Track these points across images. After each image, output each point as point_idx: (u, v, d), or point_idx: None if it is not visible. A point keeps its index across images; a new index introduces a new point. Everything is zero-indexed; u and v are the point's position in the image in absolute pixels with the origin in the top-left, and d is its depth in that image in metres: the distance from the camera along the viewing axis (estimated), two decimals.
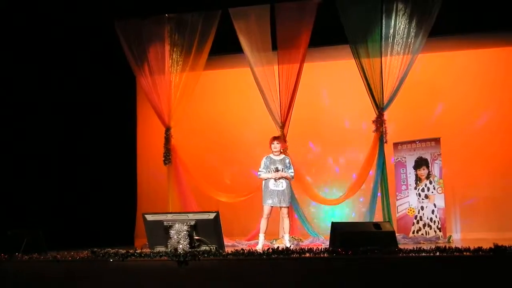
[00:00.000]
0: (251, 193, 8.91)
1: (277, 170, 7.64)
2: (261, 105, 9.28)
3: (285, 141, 8.97)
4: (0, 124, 8.66)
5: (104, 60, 9.76)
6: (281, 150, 7.85)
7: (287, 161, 7.80)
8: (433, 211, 8.55)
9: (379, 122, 8.85)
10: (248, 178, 8.22)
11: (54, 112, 9.31)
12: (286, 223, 7.70)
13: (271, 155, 7.80)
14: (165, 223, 5.76)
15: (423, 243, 7.98)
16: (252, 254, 5.28)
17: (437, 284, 4.64)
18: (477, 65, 9.83)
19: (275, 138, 7.84)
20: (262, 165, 7.76)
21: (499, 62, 9.78)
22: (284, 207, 7.64)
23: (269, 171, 7.67)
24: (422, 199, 8.67)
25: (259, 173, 7.76)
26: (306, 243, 8.30)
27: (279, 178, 7.62)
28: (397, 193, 8.92)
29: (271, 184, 7.62)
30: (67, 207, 9.17)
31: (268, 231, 7.71)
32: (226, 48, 9.77)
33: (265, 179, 7.68)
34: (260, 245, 7.52)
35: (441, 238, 8.33)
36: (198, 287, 5.02)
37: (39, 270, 5.41)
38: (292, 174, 7.77)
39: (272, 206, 7.61)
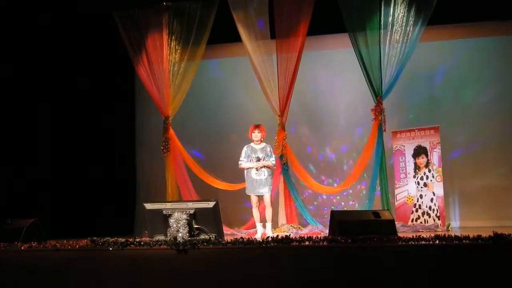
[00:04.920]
0: None
1: (258, 159, 7.61)
2: (259, 94, 9.25)
3: (283, 129, 8.95)
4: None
5: (102, 49, 9.68)
6: (262, 139, 7.78)
7: (268, 149, 7.78)
8: (432, 199, 8.54)
9: (378, 110, 8.83)
10: None
11: (53, 102, 9.25)
12: (268, 211, 7.69)
13: (252, 144, 7.79)
14: (164, 212, 5.71)
15: (422, 231, 8.00)
16: (251, 242, 5.26)
17: (436, 273, 4.63)
18: (476, 53, 9.79)
19: (255, 127, 7.79)
20: (243, 154, 7.75)
21: (497, 50, 9.75)
22: (267, 195, 7.63)
23: (250, 160, 7.65)
24: (421, 187, 8.66)
25: (240, 162, 7.75)
26: (305, 232, 8.30)
27: (261, 167, 7.59)
28: (396, 181, 8.91)
29: (253, 174, 7.63)
30: (67, 196, 9.14)
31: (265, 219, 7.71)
32: (224, 36, 9.72)
33: (247, 169, 7.67)
34: (259, 233, 7.52)
35: (440, 226, 8.34)
36: (198, 276, 5.00)
37: (38, 259, 5.39)
38: (274, 162, 7.79)
39: (257, 195, 7.62)
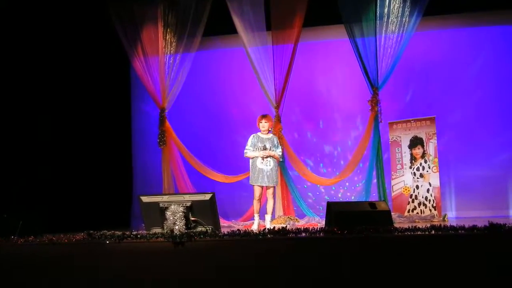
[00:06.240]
0: (247, 173, 8.83)
1: (265, 148, 7.56)
2: (256, 86, 9.25)
3: (279, 121, 8.96)
4: None
5: (97, 42, 9.63)
6: (269, 129, 7.73)
7: (275, 140, 7.67)
8: (428, 190, 8.57)
9: (374, 101, 8.86)
10: (243, 158, 8.29)
11: (48, 96, 9.21)
12: (270, 203, 7.60)
13: (259, 134, 7.66)
14: (161, 205, 5.72)
15: (418, 221, 8.02)
16: (248, 234, 5.27)
17: (432, 262, 4.66)
18: (472, 43, 9.80)
19: (263, 117, 7.66)
20: (249, 143, 7.59)
21: (492, 39, 9.75)
22: (271, 186, 7.57)
23: (256, 149, 7.57)
24: (417, 178, 8.68)
25: (245, 150, 7.59)
26: (302, 223, 8.33)
27: (267, 157, 7.54)
28: (392, 172, 8.93)
29: (259, 163, 7.51)
30: (63, 190, 9.12)
31: (263, 211, 7.70)
32: (220, 28, 9.70)
33: (252, 158, 7.59)
34: (256, 225, 7.48)
35: (436, 216, 8.37)
36: (195, 268, 5.01)
37: (35, 253, 5.40)
38: (280, 153, 7.68)
39: (262, 186, 7.53)
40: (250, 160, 7.62)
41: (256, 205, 7.59)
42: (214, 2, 9.15)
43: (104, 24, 9.45)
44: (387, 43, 8.84)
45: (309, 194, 9.94)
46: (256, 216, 7.59)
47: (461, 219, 8.53)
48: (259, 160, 7.49)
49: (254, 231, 5.41)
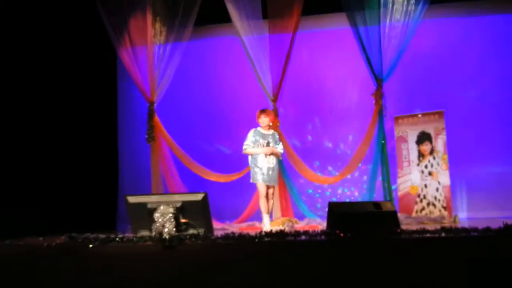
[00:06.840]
0: (242, 172, 8.83)
1: (268, 144, 7.48)
2: (252, 77, 9.21)
3: (277, 115, 8.90)
4: None
5: (81, 31, 9.58)
6: (270, 124, 7.67)
7: (276, 136, 7.68)
8: (437, 189, 8.52)
9: (379, 94, 8.85)
10: (238, 156, 8.24)
11: (28, 90, 9.12)
12: (270, 203, 7.60)
13: (260, 129, 7.63)
14: (149, 206, 5.75)
15: (427, 223, 7.98)
16: (243, 237, 5.27)
17: (442, 267, 4.61)
18: (483, 32, 9.79)
19: (262, 112, 7.64)
20: (250, 138, 7.54)
21: (505, 28, 9.72)
22: (272, 186, 7.54)
23: (258, 146, 7.50)
24: (426, 176, 8.64)
25: (245, 147, 7.54)
26: (301, 225, 8.27)
27: (270, 154, 7.46)
28: (398, 170, 8.89)
29: (262, 160, 7.46)
30: (43, 188, 9.04)
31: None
32: (213, 16, 9.68)
33: (252, 154, 7.52)
34: (268, 226, 7.37)
35: (446, 217, 8.33)
36: (185, 274, 4.97)
37: (12, 258, 5.34)
38: (282, 150, 7.69)
39: (266, 184, 7.47)
40: (250, 157, 7.59)
41: (263, 204, 7.50)
42: None
43: (89, 12, 9.38)
44: (391, 32, 8.83)
45: (314, 195, 9.93)
46: (266, 216, 7.48)
47: (473, 220, 8.50)
48: (261, 157, 7.45)
49: (257, 233, 5.35)
